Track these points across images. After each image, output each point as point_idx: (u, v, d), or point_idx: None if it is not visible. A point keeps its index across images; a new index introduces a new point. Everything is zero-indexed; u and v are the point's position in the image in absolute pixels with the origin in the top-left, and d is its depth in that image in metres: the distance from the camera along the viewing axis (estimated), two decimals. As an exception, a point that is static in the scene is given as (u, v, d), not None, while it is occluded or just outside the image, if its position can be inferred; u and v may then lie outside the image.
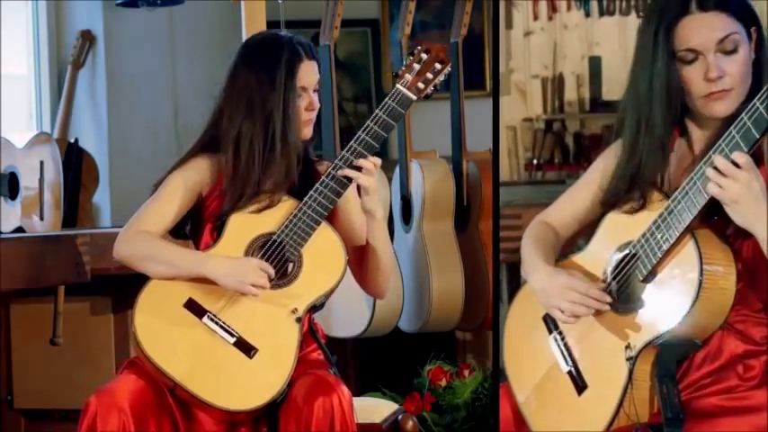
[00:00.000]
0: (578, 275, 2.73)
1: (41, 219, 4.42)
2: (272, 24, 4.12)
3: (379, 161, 2.99)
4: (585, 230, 2.87)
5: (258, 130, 3.02)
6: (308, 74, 3.07)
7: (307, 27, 5.48)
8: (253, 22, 4.01)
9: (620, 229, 2.71)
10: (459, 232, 4.42)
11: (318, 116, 4.43)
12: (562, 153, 5.15)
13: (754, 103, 2.43)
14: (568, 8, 5.14)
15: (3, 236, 3.95)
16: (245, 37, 3.92)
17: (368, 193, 3.00)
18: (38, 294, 3.81)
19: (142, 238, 3.01)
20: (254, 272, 2.93)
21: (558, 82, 5.16)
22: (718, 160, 2.48)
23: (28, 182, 4.37)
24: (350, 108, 5.78)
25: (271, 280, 2.95)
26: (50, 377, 3.95)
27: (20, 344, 4.00)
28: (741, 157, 2.45)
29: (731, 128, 2.47)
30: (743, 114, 2.45)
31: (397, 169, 4.49)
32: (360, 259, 3.11)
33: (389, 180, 4.42)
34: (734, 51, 2.60)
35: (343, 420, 2.86)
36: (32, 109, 5.52)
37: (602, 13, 5.12)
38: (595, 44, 5.10)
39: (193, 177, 3.08)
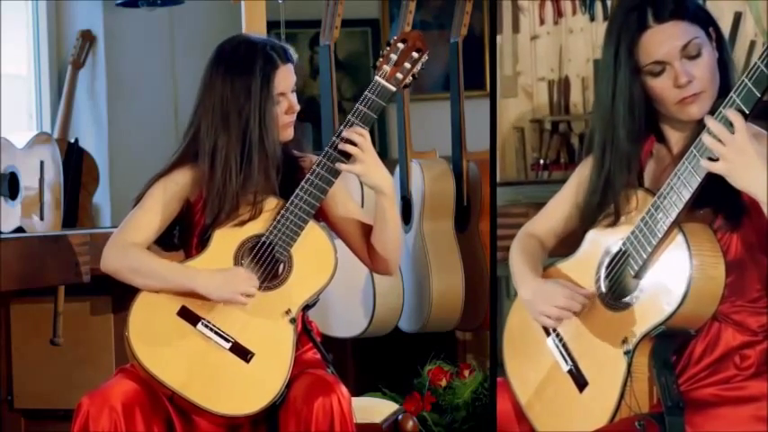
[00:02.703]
0: (563, 282, 2.80)
1: (41, 219, 4.42)
2: (272, 24, 4.13)
3: (365, 132, 2.97)
4: (571, 237, 2.93)
5: (234, 142, 2.99)
6: (285, 79, 3.04)
7: (307, 27, 5.48)
8: (253, 22, 4.01)
9: (605, 238, 2.77)
10: (459, 232, 4.42)
11: (318, 116, 4.46)
12: (568, 153, 5.20)
13: (756, 63, 2.48)
14: (573, 12, 5.18)
15: (3, 236, 3.95)
16: (245, 37, 3.92)
17: (363, 173, 2.98)
18: (38, 294, 3.81)
19: (130, 251, 3.01)
20: (243, 281, 2.93)
21: (564, 84, 5.20)
22: (712, 123, 2.52)
23: (28, 182, 4.37)
24: (350, 108, 5.75)
25: (261, 283, 2.96)
26: (50, 377, 3.95)
27: (20, 344, 3.99)
28: (734, 116, 2.49)
29: (731, 92, 2.52)
30: (743, 77, 2.50)
31: (398, 169, 4.49)
32: (368, 239, 3.10)
33: (389, 180, 4.42)
34: (698, 55, 2.66)
35: (342, 420, 2.87)
36: (32, 109, 5.52)
37: (606, 18, 5.16)
38: (600, 48, 5.14)
39: (177, 185, 3.06)
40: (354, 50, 5.91)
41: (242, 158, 2.99)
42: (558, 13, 5.17)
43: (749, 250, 2.66)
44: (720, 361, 2.68)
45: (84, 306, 3.93)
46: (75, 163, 5.24)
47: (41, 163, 4.41)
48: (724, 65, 2.71)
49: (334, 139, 2.98)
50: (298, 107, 3.08)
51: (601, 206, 2.77)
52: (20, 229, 4.33)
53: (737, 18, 4.83)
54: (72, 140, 5.29)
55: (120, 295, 3.87)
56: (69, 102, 5.44)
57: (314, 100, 5.98)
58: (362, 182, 3.02)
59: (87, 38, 5.50)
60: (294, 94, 3.08)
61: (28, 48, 5.51)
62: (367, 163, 2.97)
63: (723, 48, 2.73)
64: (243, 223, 2.99)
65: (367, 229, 3.11)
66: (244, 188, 3.00)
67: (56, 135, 5.34)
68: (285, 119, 3.06)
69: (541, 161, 5.16)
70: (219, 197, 2.99)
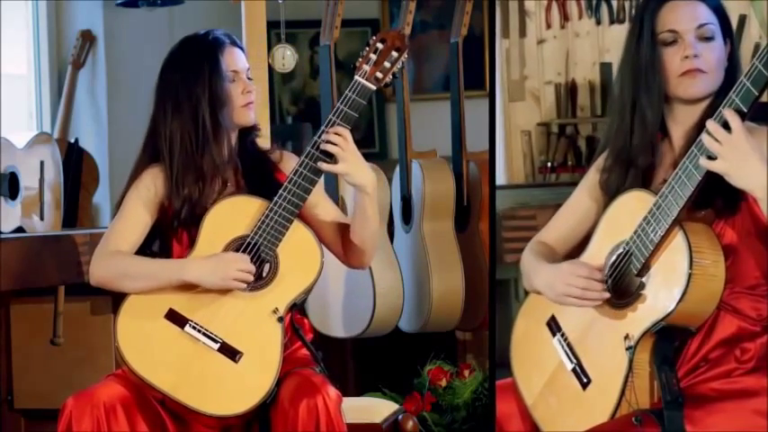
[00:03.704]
0: (578, 261, 2.83)
1: (41, 219, 4.42)
2: (272, 24, 4.13)
3: (347, 131, 2.98)
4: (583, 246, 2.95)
5: (188, 123, 3.04)
6: (236, 59, 3.09)
7: (307, 27, 5.49)
8: (253, 22, 4.00)
9: (616, 229, 2.80)
10: (459, 232, 4.42)
11: (318, 116, 4.46)
12: (575, 156, 5.25)
13: (754, 63, 2.53)
14: (580, 16, 5.22)
15: (3, 236, 3.95)
16: (245, 37, 3.93)
17: (345, 172, 2.99)
18: (38, 294, 3.81)
19: (115, 258, 3.02)
20: (234, 265, 2.93)
21: (571, 88, 5.24)
22: (710, 122, 2.58)
23: (28, 182, 4.37)
24: (350, 108, 5.76)
25: (251, 279, 2.96)
26: (50, 377, 3.95)
27: (20, 344, 3.99)
28: (731, 115, 2.54)
29: (731, 92, 2.57)
30: (742, 77, 2.56)
31: (398, 169, 4.49)
32: (344, 236, 3.12)
33: (390, 180, 4.42)
34: (710, 39, 2.74)
35: (328, 421, 2.87)
36: (32, 109, 5.52)
37: (612, 21, 5.21)
38: (606, 51, 5.21)
39: (149, 191, 3.09)
40: (354, 50, 5.90)
41: (197, 134, 3.03)
42: (565, 17, 5.20)
43: (746, 236, 2.69)
44: (720, 352, 2.70)
45: (84, 306, 3.93)
46: (76, 163, 5.24)
47: (41, 163, 4.41)
48: (733, 73, 2.76)
49: (316, 138, 2.99)
50: (253, 87, 3.10)
51: (618, 166, 2.81)
52: (20, 229, 4.33)
53: (742, 21, 4.85)
54: (72, 140, 5.29)
55: (120, 295, 3.87)
56: (69, 102, 5.45)
57: (314, 100, 6.00)
58: (345, 181, 3.02)
59: (87, 38, 5.50)
60: (252, 82, 3.11)
61: (28, 48, 5.51)
62: (349, 162, 2.99)
63: (734, 59, 2.79)
64: (215, 201, 3.01)
65: (341, 226, 3.13)
66: (204, 159, 3.03)
67: (56, 135, 5.34)
68: (242, 99, 3.08)
69: (549, 164, 5.19)
70: (184, 176, 3.03)
